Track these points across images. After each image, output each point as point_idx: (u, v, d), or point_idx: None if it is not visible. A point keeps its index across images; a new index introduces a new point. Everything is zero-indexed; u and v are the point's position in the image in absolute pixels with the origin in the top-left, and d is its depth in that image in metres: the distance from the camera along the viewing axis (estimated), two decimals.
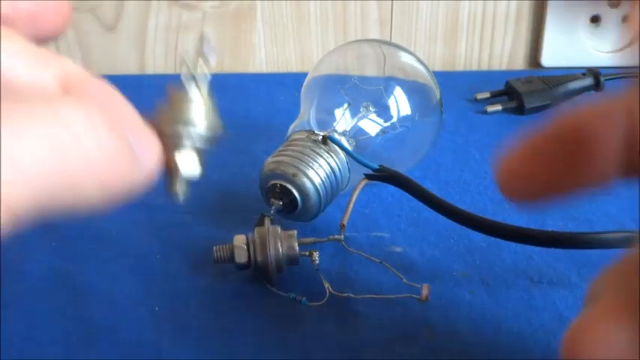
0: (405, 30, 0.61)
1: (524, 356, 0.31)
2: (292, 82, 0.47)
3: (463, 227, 0.35)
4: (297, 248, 0.34)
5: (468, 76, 0.61)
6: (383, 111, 0.40)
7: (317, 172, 0.37)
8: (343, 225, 0.36)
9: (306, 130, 0.39)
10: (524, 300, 0.34)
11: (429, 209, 0.36)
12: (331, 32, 0.61)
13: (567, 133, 0.21)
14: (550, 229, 0.35)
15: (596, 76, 0.53)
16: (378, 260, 0.36)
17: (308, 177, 0.36)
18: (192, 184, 0.26)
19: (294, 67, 0.62)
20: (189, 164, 0.26)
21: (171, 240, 0.38)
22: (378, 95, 0.41)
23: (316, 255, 0.34)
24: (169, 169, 0.26)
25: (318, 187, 0.37)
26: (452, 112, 0.50)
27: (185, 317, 0.33)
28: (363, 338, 0.32)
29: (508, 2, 0.60)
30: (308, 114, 0.41)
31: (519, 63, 0.63)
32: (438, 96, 0.42)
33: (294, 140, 0.38)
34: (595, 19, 0.60)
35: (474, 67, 0.63)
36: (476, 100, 0.54)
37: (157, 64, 0.62)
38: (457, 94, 0.55)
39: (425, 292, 0.32)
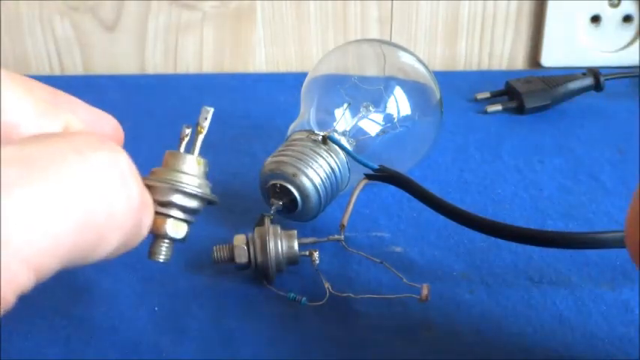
0: (405, 30, 0.61)
1: (525, 356, 0.31)
2: (292, 82, 0.47)
3: (463, 227, 0.35)
4: (297, 248, 0.34)
5: (468, 76, 0.61)
6: (383, 111, 0.40)
7: (317, 172, 0.37)
8: (343, 225, 0.36)
9: (306, 130, 0.39)
10: (524, 300, 0.34)
11: (429, 209, 0.36)
12: (331, 32, 0.61)
13: None
14: (550, 229, 0.35)
15: (596, 76, 0.53)
16: (378, 260, 0.36)
17: (308, 177, 0.36)
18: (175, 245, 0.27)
19: (294, 67, 0.62)
20: (176, 230, 0.27)
21: None
22: (378, 95, 0.41)
23: (316, 255, 0.34)
24: (156, 233, 0.26)
25: (318, 187, 0.37)
26: (452, 112, 0.50)
27: (185, 317, 0.33)
28: (363, 338, 0.32)
29: (508, 2, 0.60)
30: (308, 114, 0.41)
31: (519, 63, 0.63)
32: (438, 96, 0.42)
33: (294, 140, 0.38)
34: (595, 19, 0.60)
35: (474, 67, 0.63)
36: (476, 100, 0.54)
37: (156, 63, 0.62)
38: (457, 94, 0.55)
39: (425, 292, 0.32)
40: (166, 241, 0.27)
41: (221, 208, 0.41)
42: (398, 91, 0.41)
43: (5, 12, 0.60)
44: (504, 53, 0.62)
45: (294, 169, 0.36)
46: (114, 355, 0.31)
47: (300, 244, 0.35)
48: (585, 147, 0.48)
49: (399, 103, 0.41)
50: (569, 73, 0.54)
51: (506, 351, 0.31)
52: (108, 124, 0.28)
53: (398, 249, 0.38)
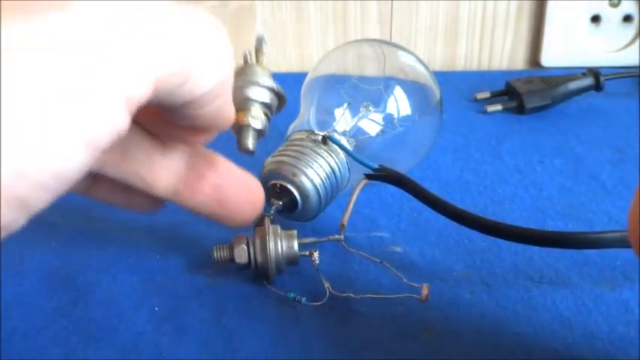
0: (405, 30, 0.61)
1: (525, 356, 0.31)
2: (292, 82, 0.47)
3: (463, 227, 0.35)
4: (297, 248, 0.34)
5: (468, 76, 0.61)
6: (383, 111, 0.40)
7: (317, 172, 0.37)
8: (343, 225, 0.36)
9: (306, 130, 0.39)
10: (525, 300, 0.34)
11: (429, 209, 0.36)
12: (331, 32, 0.61)
13: None
14: (550, 229, 0.35)
15: (596, 76, 0.53)
16: (378, 260, 0.36)
17: (308, 177, 0.36)
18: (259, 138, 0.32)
19: (294, 67, 0.62)
20: (257, 120, 0.32)
21: (171, 240, 0.38)
22: (378, 95, 0.41)
23: (316, 255, 0.34)
24: (241, 126, 0.31)
25: (318, 187, 0.37)
26: (452, 112, 0.51)
27: (185, 317, 0.33)
28: (363, 338, 0.32)
29: (508, 2, 0.60)
30: (308, 114, 0.41)
31: (519, 63, 0.63)
32: (438, 96, 0.42)
33: (294, 140, 0.38)
34: (595, 19, 0.60)
35: (474, 67, 0.63)
36: (476, 100, 0.54)
37: None
38: (457, 94, 0.55)
39: (425, 291, 0.32)
40: (251, 131, 0.32)
41: None
42: (398, 91, 0.41)
43: None
44: (504, 53, 0.62)
45: (294, 169, 0.36)
46: (114, 356, 0.31)
47: (300, 244, 0.35)
48: (585, 147, 0.48)
49: (399, 103, 0.41)
50: (569, 73, 0.54)
51: (506, 351, 0.31)
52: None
53: (398, 249, 0.38)
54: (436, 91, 0.42)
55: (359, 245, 0.37)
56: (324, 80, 0.43)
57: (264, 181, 0.37)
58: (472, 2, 0.60)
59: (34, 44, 0.18)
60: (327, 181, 0.37)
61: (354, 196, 0.37)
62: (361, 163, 0.37)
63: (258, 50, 0.33)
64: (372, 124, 0.40)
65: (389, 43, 0.47)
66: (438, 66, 0.62)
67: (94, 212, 0.40)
